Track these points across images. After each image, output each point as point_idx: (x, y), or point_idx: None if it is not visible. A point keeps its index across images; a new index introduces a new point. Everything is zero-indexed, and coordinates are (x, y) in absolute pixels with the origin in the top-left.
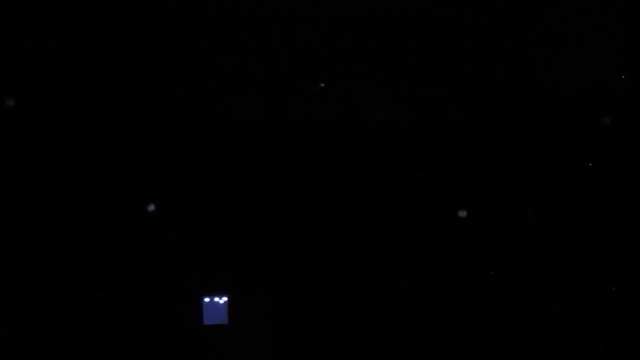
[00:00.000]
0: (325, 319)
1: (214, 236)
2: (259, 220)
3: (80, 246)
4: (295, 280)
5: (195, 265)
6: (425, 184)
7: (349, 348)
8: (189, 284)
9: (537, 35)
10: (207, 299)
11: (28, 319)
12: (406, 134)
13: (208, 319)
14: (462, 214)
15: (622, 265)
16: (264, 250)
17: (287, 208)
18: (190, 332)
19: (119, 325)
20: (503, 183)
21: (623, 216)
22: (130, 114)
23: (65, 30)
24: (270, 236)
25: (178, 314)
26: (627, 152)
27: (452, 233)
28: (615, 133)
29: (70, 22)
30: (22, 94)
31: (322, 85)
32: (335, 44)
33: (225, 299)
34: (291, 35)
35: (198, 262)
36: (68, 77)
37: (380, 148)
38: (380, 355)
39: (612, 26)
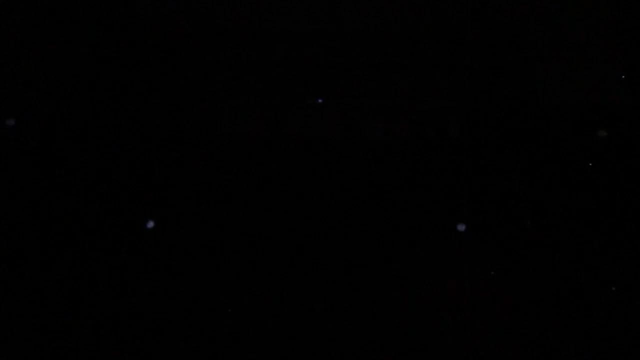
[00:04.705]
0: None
1: (211, 250)
2: (258, 232)
3: (80, 254)
4: (297, 289)
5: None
6: (425, 196)
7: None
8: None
9: (537, 47)
10: None
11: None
12: (405, 147)
13: None
14: (461, 227)
15: (622, 265)
16: (264, 263)
17: (286, 220)
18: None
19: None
20: (503, 194)
21: (623, 219)
22: (128, 128)
23: (63, 34)
24: (269, 248)
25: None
26: (627, 159)
27: (451, 245)
28: (615, 141)
29: (69, 26)
30: (21, 95)
31: (320, 100)
32: (334, 58)
33: None
34: (291, 50)
35: (197, 277)
36: (66, 86)
37: (379, 161)
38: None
39: (613, 36)
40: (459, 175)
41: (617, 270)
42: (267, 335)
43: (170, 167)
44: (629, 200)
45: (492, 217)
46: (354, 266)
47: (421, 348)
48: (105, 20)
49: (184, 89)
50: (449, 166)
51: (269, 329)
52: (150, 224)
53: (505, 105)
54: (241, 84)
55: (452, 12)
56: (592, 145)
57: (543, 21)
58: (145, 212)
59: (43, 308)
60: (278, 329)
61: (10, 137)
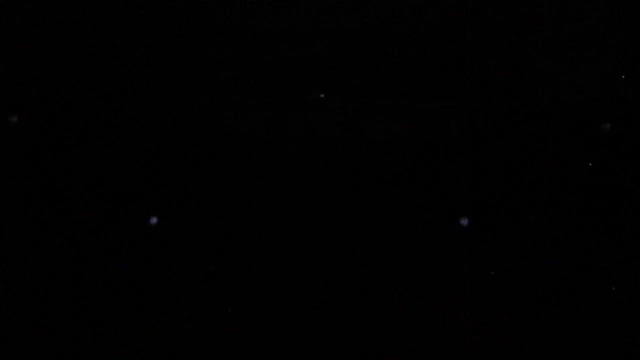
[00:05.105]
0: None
1: (213, 252)
2: (260, 233)
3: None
4: (297, 290)
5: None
6: (424, 196)
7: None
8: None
9: (537, 47)
10: None
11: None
12: (405, 147)
13: None
14: (464, 222)
15: (622, 265)
16: (264, 263)
17: (285, 220)
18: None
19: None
20: (503, 194)
21: (624, 219)
22: (128, 128)
23: (64, 34)
24: (271, 249)
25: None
26: (627, 159)
27: (451, 245)
28: (616, 141)
29: (69, 26)
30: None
31: (322, 95)
32: (334, 58)
33: None
34: (291, 50)
35: (197, 277)
36: (67, 86)
37: (379, 161)
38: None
39: (613, 36)
40: (459, 175)
41: (617, 270)
42: (267, 335)
43: (170, 166)
44: (629, 200)
45: (492, 217)
46: (354, 266)
47: (421, 348)
48: (105, 20)
49: (184, 89)
50: (449, 166)
51: (269, 329)
52: (154, 220)
53: (505, 105)
54: (241, 83)
55: (452, 12)
56: (592, 144)
57: (543, 21)
58: (145, 212)
59: (44, 305)
60: (278, 329)
61: (13, 133)
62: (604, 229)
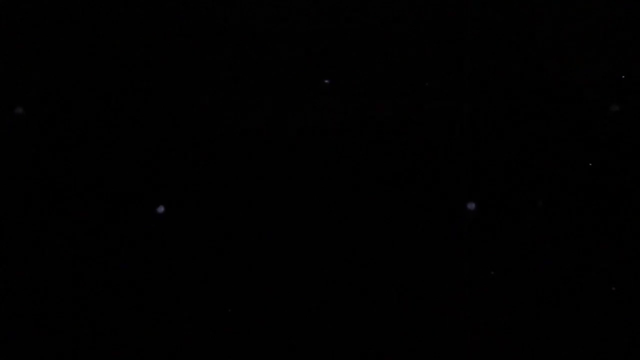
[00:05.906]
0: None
1: (213, 252)
2: (260, 233)
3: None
4: (297, 290)
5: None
6: (425, 196)
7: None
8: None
9: (538, 47)
10: None
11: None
12: (405, 146)
13: None
14: (471, 206)
15: (622, 265)
16: (264, 263)
17: (283, 221)
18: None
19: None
20: (503, 194)
21: (624, 219)
22: (128, 128)
23: (65, 34)
24: (271, 249)
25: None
26: (627, 160)
27: (452, 245)
28: (614, 143)
29: (69, 26)
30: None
31: (327, 82)
32: (334, 58)
33: None
34: (291, 50)
35: (197, 277)
36: (67, 86)
37: (379, 160)
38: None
39: (613, 36)
40: (459, 175)
41: (617, 270)
42: (267, 335)
43: (170, 166)
44: (629, 200)
45: (492, 217)
46: (354, 266)
47: (421, 348)
48: (105, 20)
49: (184, 89)
50: (448, 166)
51: (269, 329)
52: (161, 209)
53: (505, 105)
54: (241, 83)
55: (452, 12)
56: (592, 144)
57: (543, 21)
58: (144, 212)
59: (44, 305)
60: (278, 329)
61: (12, 133)
62: (604, 229)
